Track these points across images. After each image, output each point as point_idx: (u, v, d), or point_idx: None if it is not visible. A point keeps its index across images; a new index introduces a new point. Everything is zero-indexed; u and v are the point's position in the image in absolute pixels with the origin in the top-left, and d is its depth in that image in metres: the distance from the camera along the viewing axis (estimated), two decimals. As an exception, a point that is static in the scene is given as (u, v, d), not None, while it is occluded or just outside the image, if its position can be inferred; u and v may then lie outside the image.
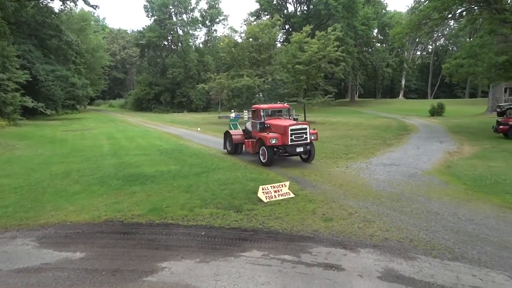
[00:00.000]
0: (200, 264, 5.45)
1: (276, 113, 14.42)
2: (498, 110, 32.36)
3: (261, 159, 13.07)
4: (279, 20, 36.63)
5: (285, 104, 14.84)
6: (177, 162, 14.13)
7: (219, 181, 10.70)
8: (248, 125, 15.16)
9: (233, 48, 34.58)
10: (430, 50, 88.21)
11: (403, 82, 78.21)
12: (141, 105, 64.63)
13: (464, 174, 11.07)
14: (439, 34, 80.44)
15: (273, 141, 12.38)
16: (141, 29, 64.85)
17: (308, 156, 13.40)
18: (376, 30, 73.69)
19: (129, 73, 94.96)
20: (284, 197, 8.74)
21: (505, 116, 27.12)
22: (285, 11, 64.64)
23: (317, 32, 33.30)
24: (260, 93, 35.22)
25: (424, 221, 6.96)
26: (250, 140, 14.28)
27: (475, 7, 25.71)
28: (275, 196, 8.69)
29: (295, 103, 47.52)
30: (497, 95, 36.99)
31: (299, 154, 13.18)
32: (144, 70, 71.17)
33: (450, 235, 6.25)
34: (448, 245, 5.85)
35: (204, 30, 72.09)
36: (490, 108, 36.13)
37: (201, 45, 73.30)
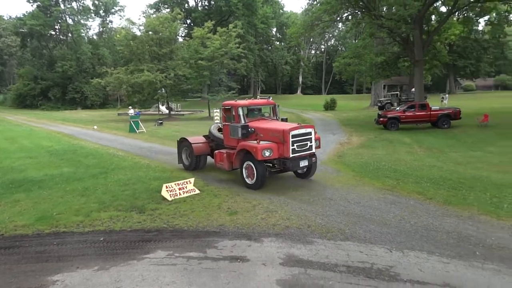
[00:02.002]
0: (99, 272, 5.08)
1: (255, 112, 10.57)
2: (379, 104, 36.83)
3: (246, 179, 9.17)
4: (180, 14, 35.81)
5: (270, 100, 10.96)
6: (70, 163, 12.89)
7: (119, 181, 10.08)
8: (214, 129, 11.59)
9: (131, 41, 32.66)
10: (323, 49, 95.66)
11: (300, 79, 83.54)
12: (25, 102, 57.21)
13: (352, 162, 12.32)
14: (330, 35, 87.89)
15: (267, 154, 8.57)
16: (21, 16, 57.12)
17: (307, 170, 9.83)
18: (275, 29, 77.13)
19: (8, 65, 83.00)
20: (189, 194, 8.63)
21: (384, 109, 30.97)
22: (186, 5, 63.52)
23: (218, 28, 33.52)
24: (163, 89, 34.08)
25: (320, 207, 7.56)
26: (223, 151, 10.10)
27: (359, 12, 28.63)
28: (179, 194, 8.53)
29: (199, 99, 47.25)
30: (378, 91, 41.95)
31: (302, 169, 9.56)
32: (27, 63, 63.02)
33: (341, 218, 6.91)
34: (340, 227, 6.46)
35: (98, 20, 66.82)
36: (373, 103, 40.84)
37: (95, 37, 67.78)
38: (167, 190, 8.45)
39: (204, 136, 11.83)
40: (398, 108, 23.65)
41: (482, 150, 14.07)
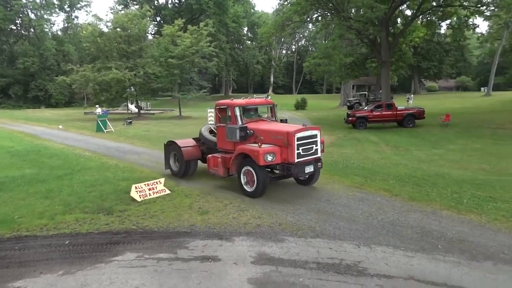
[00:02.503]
0: (64, 277, 4.91)
1: (252, 112, 9.59)
2: (348, 104, 37.68)
3: (245, 186, 8.36)
4: (149, 11, 35.12)
5: (268, 99, 9.93)
6: (33, 164, 12.35)
7: (86, 183, 9.77)
8: (205, 131, 10.61)
9: (98, 38, 31.66)
10: (293, 49, 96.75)
11: (271, 78, 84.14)
12: (-18, 100, 54.11)
13: (323, 161, 12.50)
14: (301, 36, 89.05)
15: (270, 158, 7.76)
16: (-22, 9, 53.95)
17: (310, 176, 8.94)
18: (246, 29, 77.25)
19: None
20: (159, 194, 8.50)
21: (353, 109, 31.74)
22: (156, 2, 62.34)
23: (189, 27, 33.15)
24: (132, 88, 33.29)
25: (291, 206, 7.65)
26: (217, 156, 9.15)
27: (328, 13, 29.18)
28: (149, 194, 8.38)
29: (169, 97, 46.57)
30: (347, 91, 42.95)
31: (307, 176, 8.78)
32: (-15, 58, 59.63)
33: (312, 216, 7.02)
34: (310, 225, 6.56)
35: (63, 15, 64.33)
36: (342, 103, 41.77)
37: (59, 33, 65.14)
38: (136, 191, 8.28)
39: (194, 138, 10.76)
40: (366, 108, 24.33)
41: (444, 148, 14.73)
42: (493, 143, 15.40)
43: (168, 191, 8.73)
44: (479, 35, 51.82)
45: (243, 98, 9.71)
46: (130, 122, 27.85)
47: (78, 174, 10.87)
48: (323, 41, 59.88)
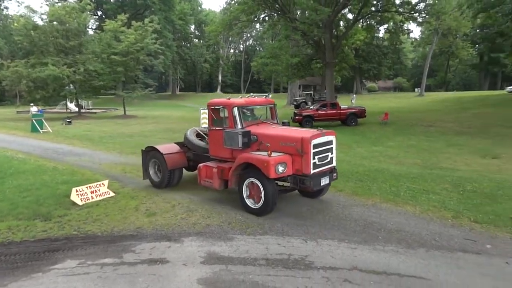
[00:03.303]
0: (-5, 290, 4.51)
1: (248, 114, 8.16)
2: (295, 103, 38.66)
3: (248, 202, 7.08)
4: (90, 5, 33.27)
5: (269, 98, 8.67)
6: (-44, 169, 11.18)
7: (19, 187, 9.05)
8: (191, 135, 9.16)
9: (32, 31, 29.39)
10: (241, 49, 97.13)
11: (220, 77, 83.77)
12: None
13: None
14: (248, 35, 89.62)
15: (281, 169, 6.54)
16: None
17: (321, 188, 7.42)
18: (193, 26, 76.18)
19: None
20: (103, 197, 8.12)
21: (299, 108, 32.63)
22: (97, -5, 59.20)
23: (133, 23, 31.96)
24: (71, 85, 31.38)
25: (240, 204, 7.68)
26: (211, 165, 7.78)
27: (275, 14, 29.71)
28: (92, 197, 7.97)
29: (113, 96, 44.58)
30: (293, 91, 44.03)
31: (321, 189, 7.50)
32: None
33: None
34: (259, 222, 6.65)
35: (-10, 5, 58.79)
36: (289, 102, 42.76)
37: (-14, 24, 59.47)
38: (77, 194, 7.83)
39: (177, 143, 9.39)
40: (312, 107, 25.13)
41: (383, 145, 15.67)
42: (426, 139, 16.67)
43: (112, 194, 8.36)
44: (413, 39, 55.76)
45: (241, 97, 8.27)
46: (70, 122, 26.24)
47: (10, 178, 10.02)
48: (270, 41, 60.80)
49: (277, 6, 27.35)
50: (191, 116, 31.33)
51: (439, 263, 4.98)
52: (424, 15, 29.22)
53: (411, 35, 48.09)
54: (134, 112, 34.58)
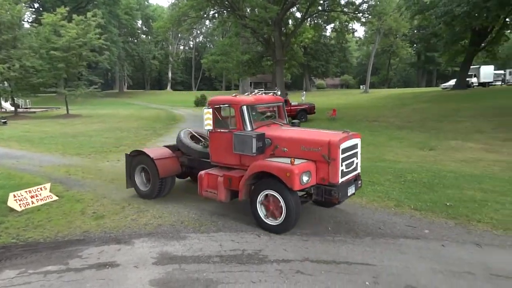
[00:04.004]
0: None
1: (253, 113, 6.83)
2: (247, 100, 38.83)
3: (264, 217, 6.06)
4: (25, -4, 30.96)
5: (278, 95, 7.62)
6: None
7: None
8: (185, 137, 8.09)
9: (-43, 24, 26.77)
10: (191, 45, 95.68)
11: (169, 74, 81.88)
12: None
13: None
14: (198, 32, 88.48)
15: (306, 179, 5.62)
16: None
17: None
18: (140, 22, 73.65)
19: None
20: (44, 202, 7.63)
21: (251, 105, 32.83)
22: (32, -14, 55.14)
23: (75, 16, 30.21)
24: (5, 83, 29.01)
25: (193, 203, 7.60)
26: (215, 173, 6.75)
27: (225, 11, 29.60)
28: (32, 202, 7.46)
29: (54, 94, 41.84)
30: (245, 88, 44.19)
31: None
32: None
33: (214, 210, 7.09)
34: (213, 220, 6.63)
35: None
36: (241, 99, 42.91)
37: None
38: (15, 200, 7.28)
39: (168, 147, 8.29)
40: (263, 104, 25.38)
41: (332, 140, 16.24)
42: (370, 134, 17.52)
43: (55, 197, 7.88)
44: (357, 38, 58.30)
45: (248, 94, 7.26)
46: (5, 122, 24.28)
47: None
48: (221, 38, 60.51)
49: (226, 3, 27.27)
50: (139, 114, 30.35)
51: (384, 250, 5.29)
52: (367, 15, 30.71)
53: (356, 34, 50.24)
54: (78, 111, 32.76)
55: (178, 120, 26.06)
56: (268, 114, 7.34)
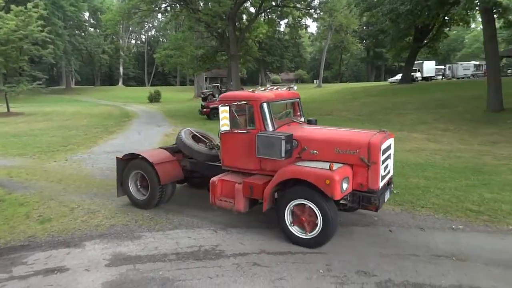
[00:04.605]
0: None
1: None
2: (202, 96, 38.34)
3: (293, 230, 5.31)
4: (-47, -17, 28.26)
5: (294, 91, 6.98)
6: None
7: None
8: (186, 137, 7.20)
9: None
10: (143, 39, 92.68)
11: (121, 69, 78.82)
12: None
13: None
14: (150, 25, 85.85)
15: (345, 187, 4.98)
16: None
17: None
18: (87, 14, 70.01)
19: None
20: (-17, 207, 7.08)
21: (207, 101, 32.53)
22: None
23: (13, 7, 28.10)
24: None
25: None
26: (231, 179, 5.96)
27: (177, 5, 28.93)
28: (-31, 208, 6.88)
29: (-8, 91, 38.74)
30: (200, 83, 43.70)
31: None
32: None
33: (170, 208, 6.97)
34: (168, 217, 6.51)
35: None
36: (197, 94, 42.34)
37: None
38: None
39: (165, 148, 7.45)
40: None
41: (287, 134, 16.54)
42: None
43: (-5, 202, 7.35)
44: (310, 34, 59.58)
45: (266, 89, 6.49)
46: None
47: None
48: (174, 32, 59.16)
49: (179, -4, 26.69)
50: (88, 112, 28.97)
51: (337, 238, 5.50)
52: (319, 11, 31.45)
53: (309, 30, 51.40)
54: (20, 108, 30.61)
55: (132, 116, 25.22)
56: (285, 111, 6.52)
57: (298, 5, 30.89)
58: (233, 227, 6.04)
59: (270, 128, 5.67)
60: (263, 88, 6.36)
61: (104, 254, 5.17)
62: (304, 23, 36.29)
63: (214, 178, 6.07)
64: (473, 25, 48.10)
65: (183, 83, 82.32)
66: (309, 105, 28.49)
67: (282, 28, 56.94)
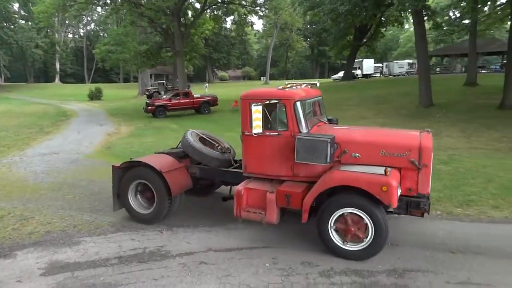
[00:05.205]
0: None
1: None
2: (147, 93, 37.16)
3: (339, 242, 4.81)
4: None
5: (317, 87, 6.46)
6: None
7: None
8: (194, 140, 6.35)
9: None
10: (82, 34, 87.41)
11: (57, 65, 73.61)
12: None
13: (122, 153, 12.04)
14: (89, 19, 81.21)
15: (398, 193, 4.61)
16: None
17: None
18: (17, 5, 64.55)
19: None
20: None
21: (152, 98, 31.57)
22: None
23: None
24: None
25: (87, 204, 7.06)
26: (259, 188, 5.32)
27: (118, -2, 27.68)
28: None
29: None
30: (145, 80, 42.22)
31: None
32: None
33: (112, 211, 6.67)
34: (110, 220, 6.24)
35: None
36: (141, 92, 40.85)
37: None
38: None
39: (169, 153, 6.52)
40: (164, 97, 24.63)
41: (235, 130, 16.54)
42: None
43: None
44: (256, 31, 60.10)
45: (293, 85, 5.71)
46: None
47: None
48: (115, 27, 56.52)
49: (119, -12, 25.53)
50: (21, 111, 26.80)
51: (284, 230, 5.63)
52: (264, 9, 31.79)
53: (255, 27, 51.83)
54: None
55: (70, 115, 23.75)
56: (310, 111, 5.81)
57: (243, 2, 30.96)
58: (180, 226, 5.94)
59: (304, 130, 5.14)
60: (289, 85, 5.60)
61: (39, 263, 4.84)
62: (250, 20, 36.45)
63: (239, 187, 5.35)
64: (406, 26, 51.51)
65: (126, 80, 78.94)
66: (257, 102, 28.82)
67: (228, 25, 56.80)
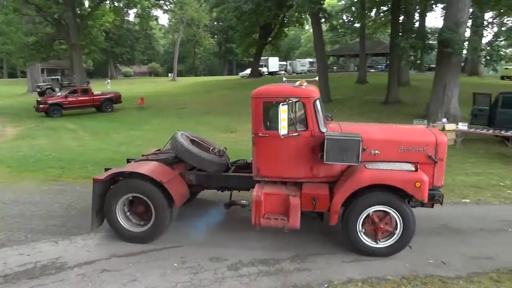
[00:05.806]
0: None
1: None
2: (39, 90, 33.34)
3: (366, 241, 4.82)
4: None
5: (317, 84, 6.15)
6: None
7: None
8: (187, 142, 5.72)
9: None
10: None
11: None
12: None
13: (8, 157, 10.68)
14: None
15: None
16: None
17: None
18: None
19: None
20: None
21: (45, 95, 28.42)
22: None
23: None
24: None
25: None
26: (281, 192, 4.95)
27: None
28: None
29: None
30: (35, 76, 37.73)
31: None
32: None
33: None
34: (-7, 235, 5.50)
35: None
36: (31, 88, 36.43)
37: None
38: None
39: (157, 160, 5.71)
40: (59, 94, 22.40)
41: (140, 129, 15.87)
42: (179, 120, 18.02)
43: None
44: (162, 26, 58.19)
45: (303, 83, 5.30)
46: None
47: None
48: (-5, 14, 49.33)
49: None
50: None
51: (191, 229, 5.59)
52: (169, 3, 30.91)
53: (160, 22, 50.11)
54: None
55: None
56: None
57: (146, -5, 29.68)
58: (78, 234, 5.50)
59: (324, 129, 5.00)
60: (297, 83, 5.33)
61: None
62: (154, 14, 35.04)
63: (257, 193, 4.96)
64: (307, 27, 54.87)
65: (12, 75, 69.66)
66: (163, 98, 27.96)
67: (131, 18, 53.85)
